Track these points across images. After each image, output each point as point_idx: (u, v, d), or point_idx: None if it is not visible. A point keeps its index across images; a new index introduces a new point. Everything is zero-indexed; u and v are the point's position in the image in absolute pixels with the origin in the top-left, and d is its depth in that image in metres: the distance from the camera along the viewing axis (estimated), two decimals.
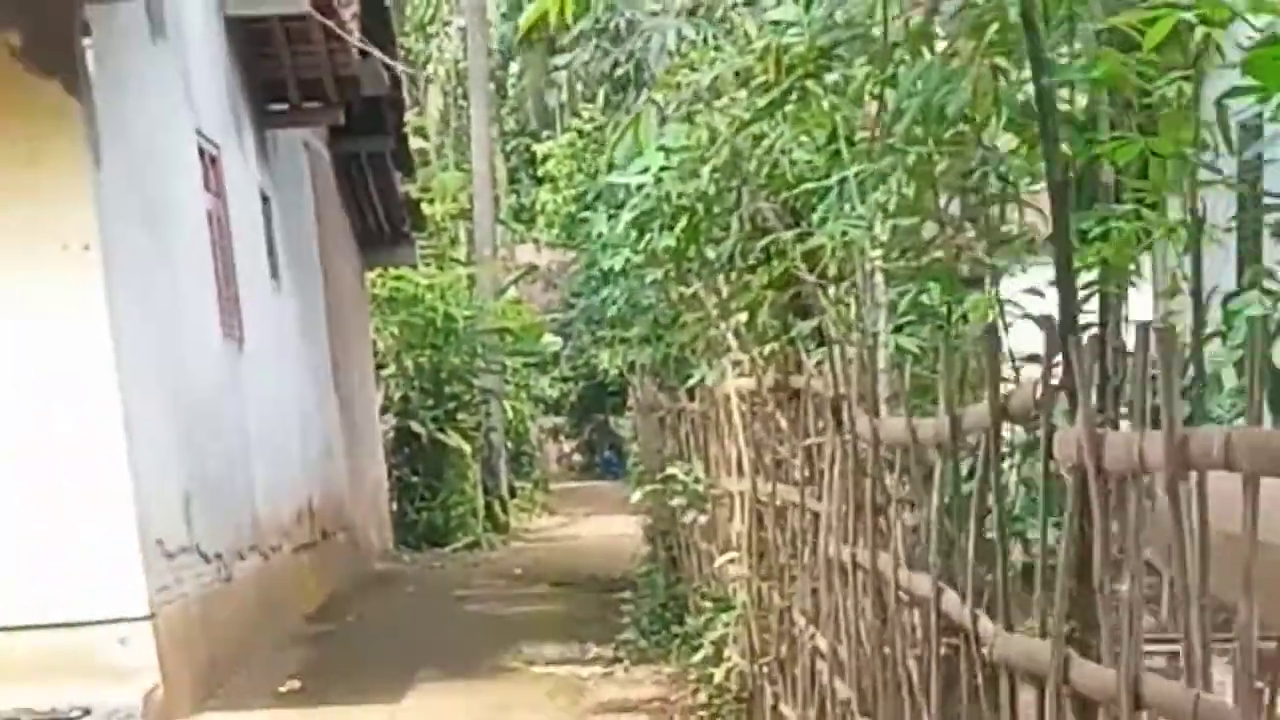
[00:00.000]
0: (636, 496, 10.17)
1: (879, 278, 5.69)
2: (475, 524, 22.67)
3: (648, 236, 8.24)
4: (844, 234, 5.56)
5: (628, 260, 8.65)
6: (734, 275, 7.75)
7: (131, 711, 9.53)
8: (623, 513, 28.20)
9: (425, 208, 23.10)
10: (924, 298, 5.50)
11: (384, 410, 22.11)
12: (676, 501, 9.20)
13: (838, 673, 6.37)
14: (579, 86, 43.60)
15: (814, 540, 7.11)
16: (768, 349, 7.77)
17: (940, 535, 4.53)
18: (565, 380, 40.26)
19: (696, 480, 8.80)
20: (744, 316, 8.05)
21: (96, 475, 9.58)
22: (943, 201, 5.15)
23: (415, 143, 28.07)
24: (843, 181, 5.86)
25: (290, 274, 15.45)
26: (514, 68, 49.42)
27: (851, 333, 6.15)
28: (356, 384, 19.44)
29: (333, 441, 17.13)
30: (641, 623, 12.89)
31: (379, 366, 22.50)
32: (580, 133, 30.23)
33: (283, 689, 11.23)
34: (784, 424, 7.75)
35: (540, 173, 37.16)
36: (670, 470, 9.07)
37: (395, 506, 22.24)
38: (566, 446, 43.76)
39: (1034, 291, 5.45)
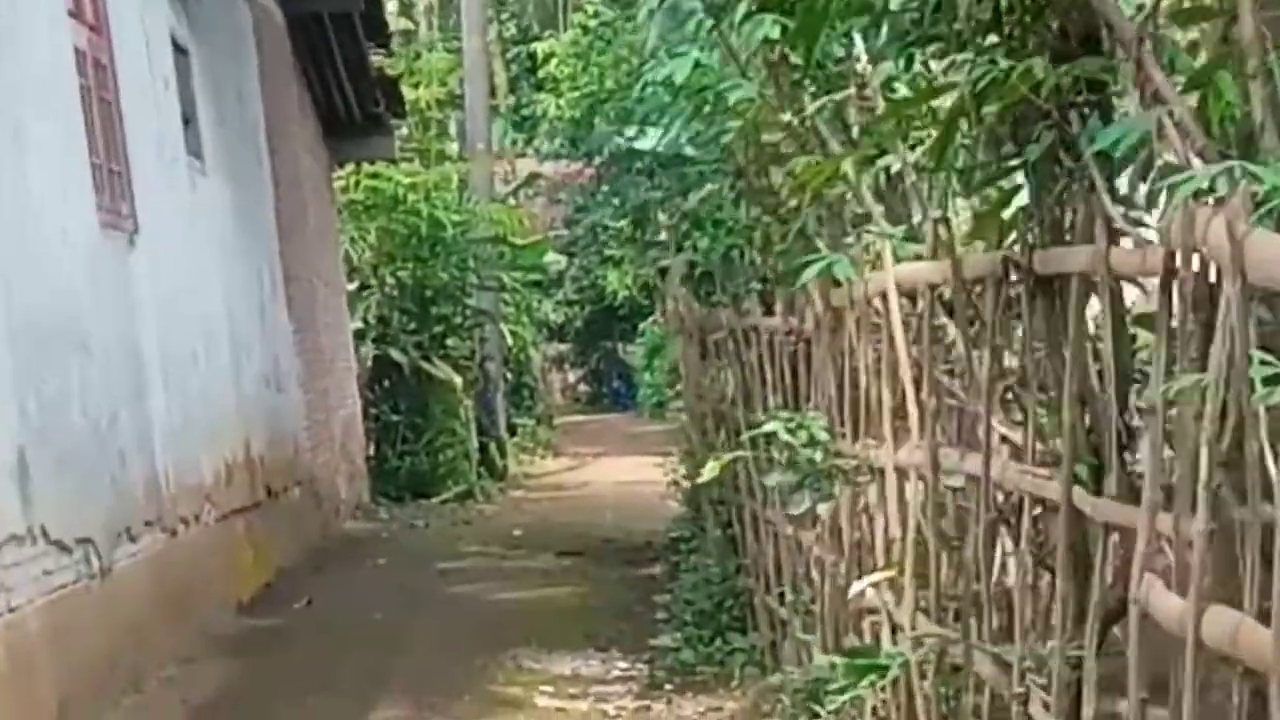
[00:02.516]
0: (710, 472, 6.53)
1: None
2: (468, 470, 19.10)
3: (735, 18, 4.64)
4: None
5: (697, 65, 5.04)
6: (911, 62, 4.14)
7: None
8: (637, 452, 25.20)
9: (408, 93, 19.40)
10: None
11: (359, 335, 18.49)
12: (777, 479, 5.59)
13: None
14: None
15: (1103, 577, 3.54)
16: (970, 203, 4.16)
17: None
18: (570, 304, 37.37)
19: (813, 442, 5.20)
20: (907, 153, 4.45)
21: None
22: None
23: (399, 23, 24.41)
24: None
25: (220, 153, 11.81)
26: None
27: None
28: (320, 301, 15.84)
29: (282, 370, 13.52)
30: (686, 624, 9.32)
31: (362, 287, 18.88)
32: (585, 29, 26.85)
33: None
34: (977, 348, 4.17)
35: (541, 74, 33.75)
36: (768, 426, 5.43)
37: (373, 451, 18.68)
38: (571, 376, 41.16)
39: None
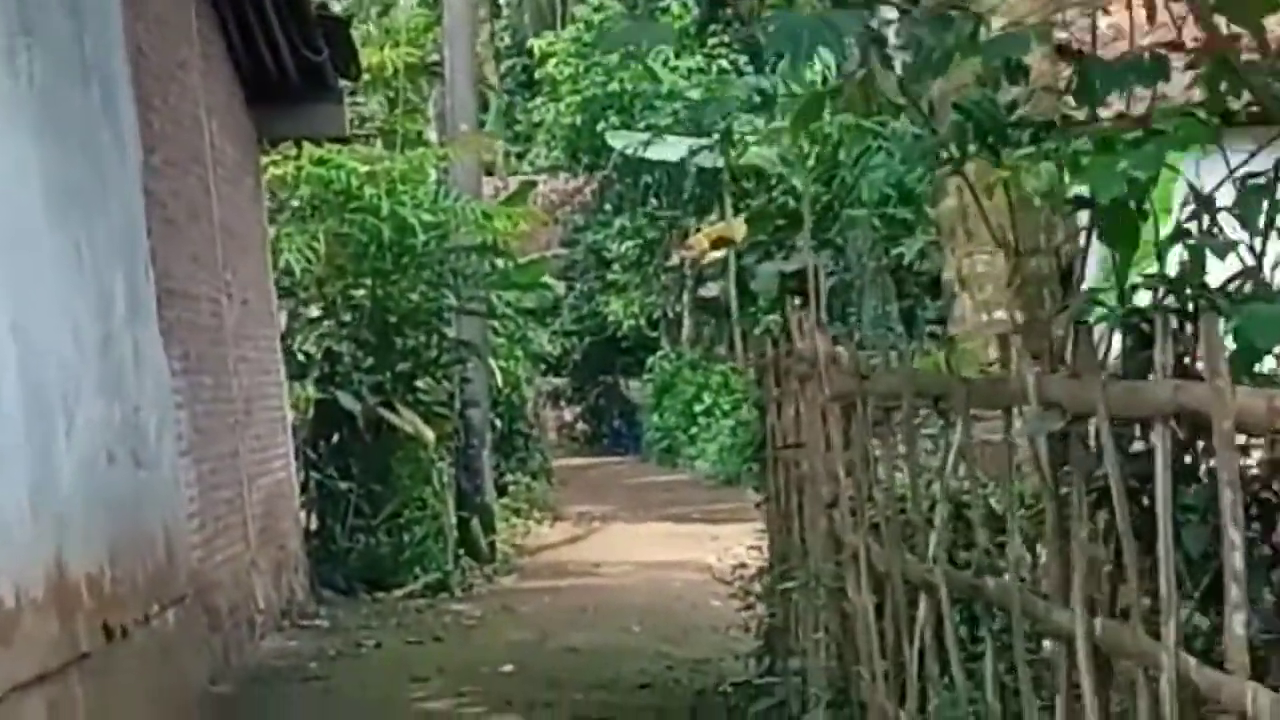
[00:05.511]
0: None
1: None
2: (441, 552, 14.50)
3: None
4: None
5: None
6: None
7: None
8: (651, 514, 20.31)
9: (371, 56, 14.78)
10: None
11: (297, 375, 13.78)
12: None
13: None
14: None
15: None
16: None
17: None
18: (568, 334, 34.06)
19: None
20: None
21: None
22: None
23: None
24: None
25: (19, 85, 7.10)
26: None
27: None
28: (231, 329, 11.15)
29: (147, 432, 8.75)
30: None
31: (326, 312, 14.30)
32: (588, 24, 22.97)
33: None
34: None
35: (539, 75, 29.58)
36: None
37: (316, 526, 14.01)
38: (568, 414, 37.94)
39: None
